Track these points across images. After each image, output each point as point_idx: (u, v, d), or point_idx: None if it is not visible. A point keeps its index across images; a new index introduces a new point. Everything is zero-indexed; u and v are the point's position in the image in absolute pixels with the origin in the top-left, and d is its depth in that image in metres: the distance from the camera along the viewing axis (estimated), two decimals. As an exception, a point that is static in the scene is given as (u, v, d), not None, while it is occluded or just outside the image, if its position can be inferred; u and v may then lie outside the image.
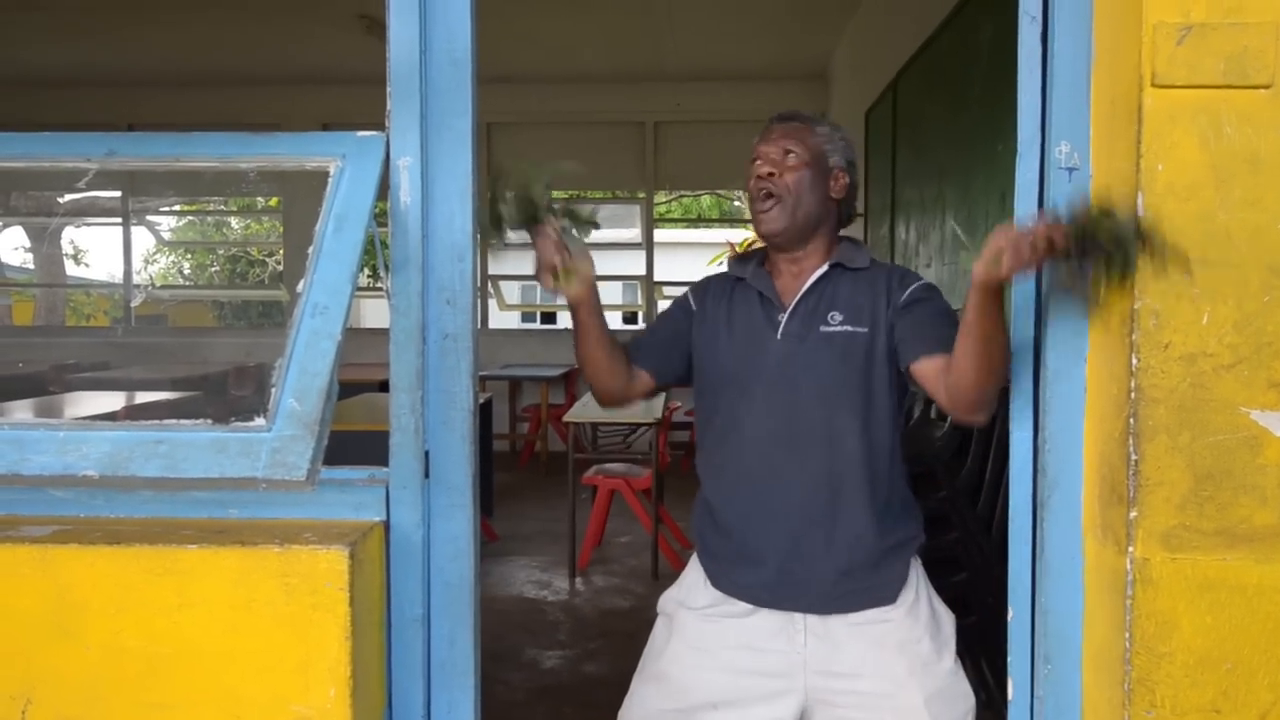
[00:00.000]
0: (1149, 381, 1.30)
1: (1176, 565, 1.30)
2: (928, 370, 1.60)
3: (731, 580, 1.70)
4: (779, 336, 1.69)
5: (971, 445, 3.00)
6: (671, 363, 1.81)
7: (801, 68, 7.75)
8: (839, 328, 1.67)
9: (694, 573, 1.78)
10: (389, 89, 1.50)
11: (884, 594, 1.66)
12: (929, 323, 1.64)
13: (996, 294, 1.40)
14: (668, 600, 1.82)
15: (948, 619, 1.72)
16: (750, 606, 1.69)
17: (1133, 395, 1.30)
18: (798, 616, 1.66)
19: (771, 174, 1.70)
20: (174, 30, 6.63)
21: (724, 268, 1.87)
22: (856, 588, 1.65)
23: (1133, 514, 1.31)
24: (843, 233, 1.79)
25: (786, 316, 1.70)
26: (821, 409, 1.65)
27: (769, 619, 1.67)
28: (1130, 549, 1.31)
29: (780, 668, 1.66)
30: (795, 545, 1.65)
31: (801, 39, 7.04)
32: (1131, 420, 1.30)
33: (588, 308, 1.67)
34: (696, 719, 1.68)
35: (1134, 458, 1.30)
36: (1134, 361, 1.30)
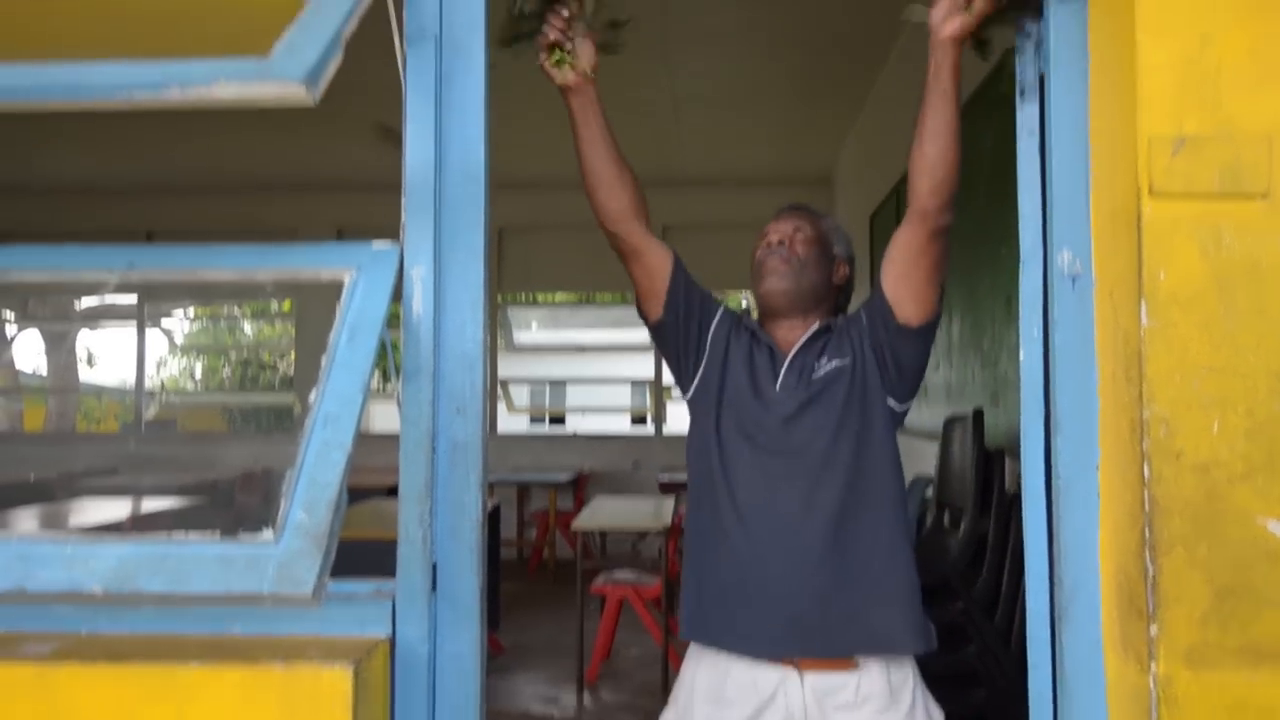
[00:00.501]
0: (1162, 491, 1.29)
1: (1201, 684, 1.26)
2: (887, 273, 1.73)
3: (735, 631, 1.69)
4: (777, 388, 1.76)
5: (987, 555, 2.95)
6: (690, 299, 1.84)
7: (806, 173, 7.93)
8: (828, 366, 1.76)
9: (683, 690, 1.76)
10: (404, 201, 1.54)
11: (892, 640, 1.66)
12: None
13: (947, 48, 1.56)
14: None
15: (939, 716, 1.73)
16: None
17: (1146, 506, 1.29)
18: (795, 698, 1.64)
19: (782, 242, 1.81)
20: (193, 140, 6.83)
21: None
22: (863, 623, 1.65)
23: (1153, 629, 1.27)
24: None
25: (784, 370, 1.77)
26: (805, 452, 1.71)
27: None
28: (1153, 666, 1.27)
29: None
30: (803, 582, 1.65)
31: (806, 145, 7.22)
32: (1147, 531, 1.29)
33: (583, 97, 1.72)
34: None
35: (1151, 571, 1.28)
36: (1146, 471, 1.29)
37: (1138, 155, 1.33)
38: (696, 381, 1.84)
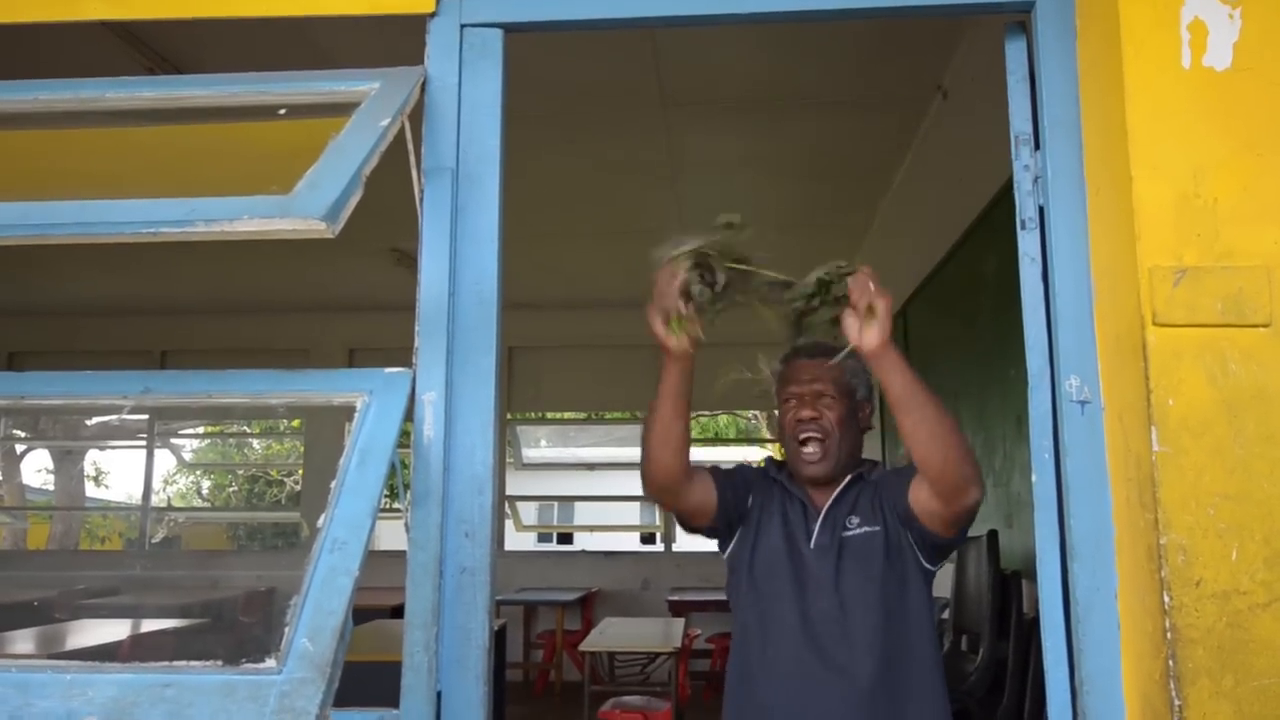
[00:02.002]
0: (1184, 620, 1.26)
1: (1236, 825, 1.21)
2: (915, 492, 1.68)
3: None
4: (811, 545, 1.76)
5: (1007, 680, 2.86)
6: (735, 496, 1.84)
7: (812, 295, 8.01)
8: (858, 530, 1.75)
9: None
10: (417, 326, 1.57)
11: None
12: (895, 472, 1.76)
13: (881, 355, 1.57)
14: None
15: None
16: None
17: (1169, 635, 1.26)
18: None
19: (814, 417, 1.78)
20: (208, 263, 6.97)
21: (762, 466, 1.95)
22: None
23: (1183, 765, 1.23)
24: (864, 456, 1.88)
25: (818, 526, 1.77)
26: (845, 609, 1.70)
27: None
28: (1184, 805, 1.22)
29: None
30: None
31: (810, 268, 7.32)
32: (1170, 661, 1.25)
33: (682, 368, 1.69)
34: None
35: (1177, 703, 1.24)
36: (1166, 599, 1.27)
37: (1139, 285, 1.35)
38: (734, 541, 1.86)
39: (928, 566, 1.76)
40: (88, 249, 6.47)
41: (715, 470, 1.87)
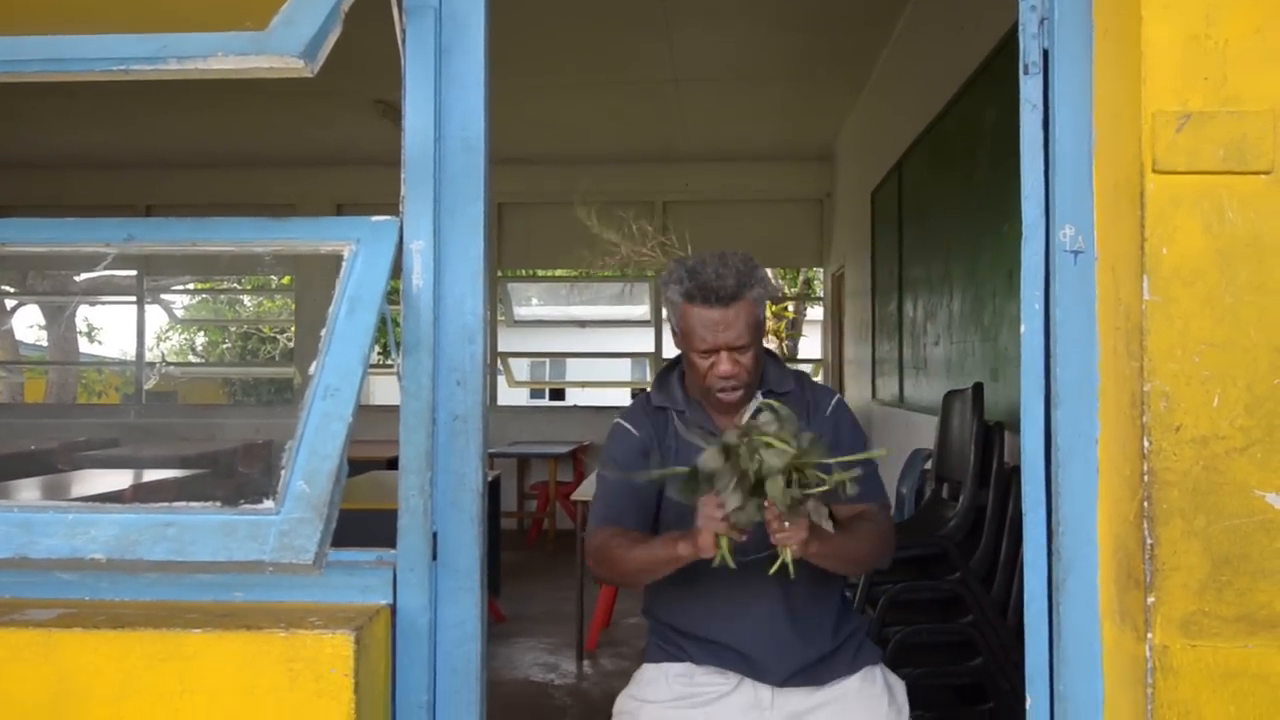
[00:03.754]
0: (1161, 464, 1.29)
1: (1197, 653, 1.27)
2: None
3: (712, 655, 1.79)
4: None
5: (985, 526, 2.96)
6: (648, 515, 1.82)
7: (807, 149, 7.89)
8: None
9: (651, 672, 1.83)
10: (403, 174, 1.53)
11: (840, 670, 1.79)
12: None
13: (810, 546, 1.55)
14: (626, 700, 1.84)
15: (899, 687, 1.84)
16: (716, 693, 1.76)
17: (1146, 478, 1.29)
18: (765, 693, 1.75)
19: (733, 373, 1.73)
20: (192, 114, 6.80)
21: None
22: (818, 669, 1.77)
23: (1150, 599, 1.28)
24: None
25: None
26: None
27: (737, 700, 1.76)
28: (1149, 635, 1.28)
29: None
30: (768, 636, 1.75)
31: (807, 121, 7.18)
32: (1145, 503, 1.29)
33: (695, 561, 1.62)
34: None
35: (1149, 541, 1.29)
36: (1146, 444, 1.30)
37: (1141, 131, 1.32)
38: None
39: None
40: (67, 97, 6.30)
41: (627, 516, 1.81)
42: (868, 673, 1.81)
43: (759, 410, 1.56)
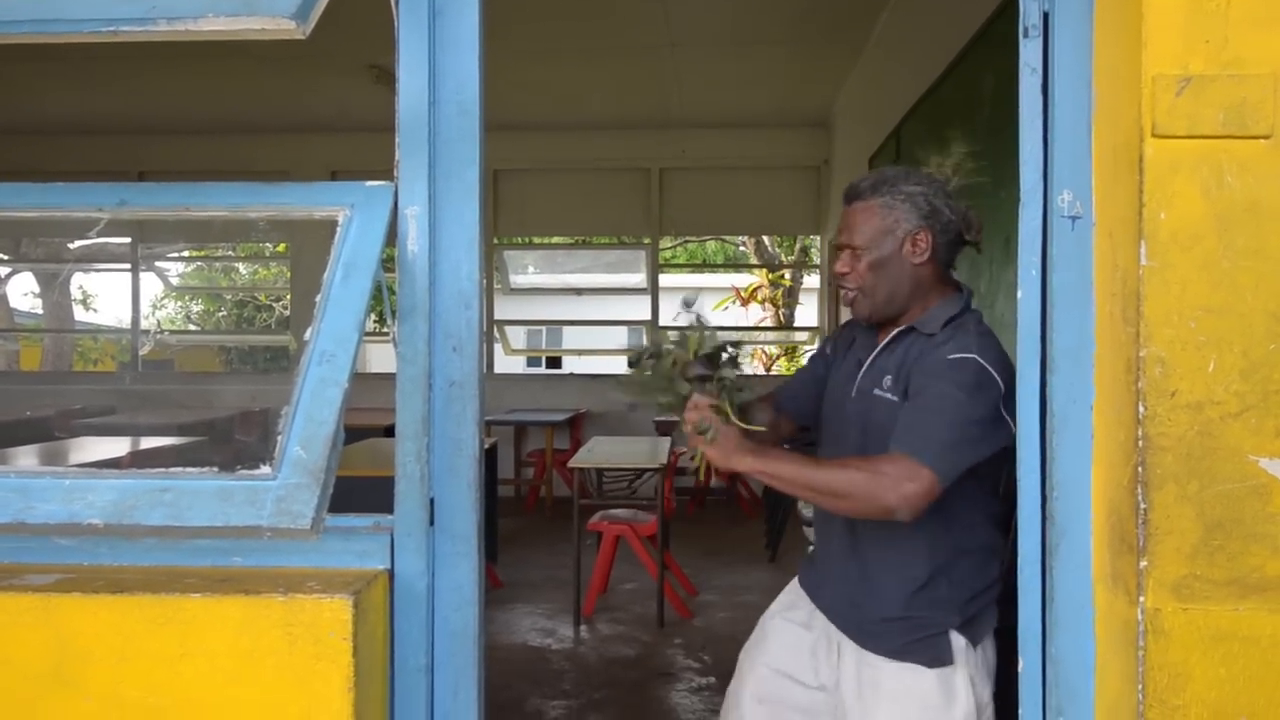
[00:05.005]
0: (1156, 429, 1.29)
1: (1188, 616, 1.28)
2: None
3: (806, 579, 1.91)
4: (854, 393, 1.80)
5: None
6: (807, 405, 1.97)
7: (805, 115, 7.84)
8: (886, 394, 1.73)
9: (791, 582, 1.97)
10: (397, 139, 1.52)
11: (887, 646, 1.70)
12: (927, 373, 1.66)
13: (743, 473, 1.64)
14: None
15: (960, 699, 1.67)
16: (805, 609, 1.86)
17: (1140, 443, 1.30)
18: (835, 635, 1.78)
19: (845, 273, 1.77)
20: (185, 79, 6.73)
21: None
22: (880, 631, 1.71)
23: (1143, 563, 1.29)
24: (957, 277, 1.85)
25: (861, 374, 1.80)
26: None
27: (815, 633, 1.83)
28: (1141, 599, 1.29)
29: (813, 680, 1.81)
30: (837, 576, 1.80)
31: (804, 87, 7.13)
32: (1139, 468, 1.30)
33: (771, 450, 1.71)
34: (744, 709, 1.84)
35: (1143, 506, 1.29)
36: (1141, 409, 1.30)
37: (1141, 95, 1.31)
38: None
39: None
40: (58, 63, 6.23)
41: (783, 396, 1.99)
42: (915, 670, 1.67)
43: (690, 319, 1.76)
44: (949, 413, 1.59)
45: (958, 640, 1.69)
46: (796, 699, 1.81)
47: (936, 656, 1.67)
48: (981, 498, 1.73)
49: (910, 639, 1.69)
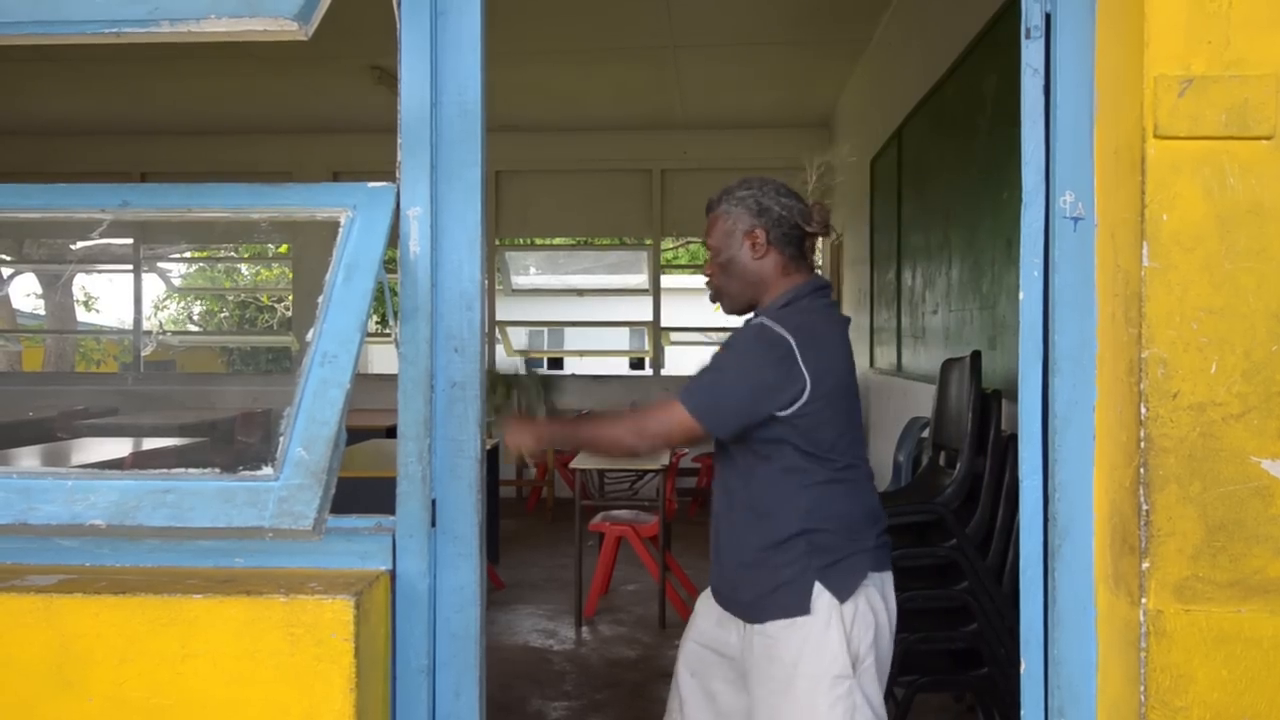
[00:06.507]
0: (1158, 431, 1.29)
1: (1190, 617, 1.28)
2: None
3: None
4: None
5: (981, 493, 2.97)
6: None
7: (806, 116, 7.83)
8: None
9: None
10: (399, 140, 1.52)
11: (773, 607, 1.79)
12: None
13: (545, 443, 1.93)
14: None
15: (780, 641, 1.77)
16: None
17: (1142, 444, 1.30)
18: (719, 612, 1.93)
19: (708, 276, 1.98)
20: (187, 81, 6.74)
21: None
22: (742, 583, 1.84)
23: (1145, 565, 1.29)
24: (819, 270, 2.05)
25: None
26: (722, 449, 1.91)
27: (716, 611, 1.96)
28: (1143, 600, 1.29)
29: (729, 650, 1.89)
30: (719, 559, 1.93)
31: (806, 88, 7.12)
32: (1142, 470, 1.30)
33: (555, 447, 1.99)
34: (679, 681, 1.97)
35: (1145, 507, 1.29)
36: (1143, 410, 1.30)
37: (1143, 96, 1.31)
38: None
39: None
40: (60, 64, 6.23)
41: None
42: (782, 626, 1.76)
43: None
44: (720, 367, 1.84)
45: (821, 593, 1.75)
46: (719, 669, 1.93)
47: (796, 605, 1.75)
48: (814, 466, 1.80)
49: (768, 589, 1.78)
